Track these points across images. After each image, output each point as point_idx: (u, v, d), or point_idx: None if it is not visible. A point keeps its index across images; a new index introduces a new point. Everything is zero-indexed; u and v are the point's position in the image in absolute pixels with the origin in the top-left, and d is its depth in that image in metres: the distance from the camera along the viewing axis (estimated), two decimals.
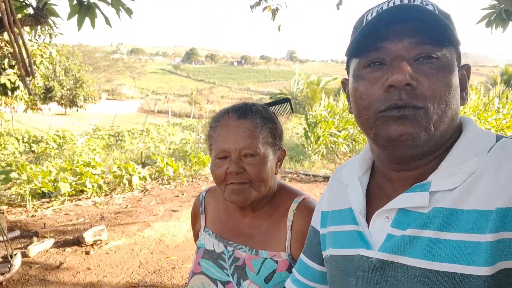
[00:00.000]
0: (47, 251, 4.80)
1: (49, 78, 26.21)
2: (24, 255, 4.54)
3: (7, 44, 8.80)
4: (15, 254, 4.24)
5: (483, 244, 0.61)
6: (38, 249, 4.71)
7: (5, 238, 4.06)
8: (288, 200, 1.21)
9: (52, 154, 14.25)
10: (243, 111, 1.16)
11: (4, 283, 3.95)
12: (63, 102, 28.92)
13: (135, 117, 34.83)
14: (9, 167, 7.65)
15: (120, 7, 4.43)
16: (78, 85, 28.87)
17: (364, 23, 0.72)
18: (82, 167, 7.86)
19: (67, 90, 28.38)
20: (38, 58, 10.67)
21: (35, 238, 5.20)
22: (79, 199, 7.50)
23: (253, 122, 1.14)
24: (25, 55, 3.88)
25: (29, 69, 3.97)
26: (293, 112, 1.33)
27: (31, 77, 4.03)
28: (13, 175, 7.30)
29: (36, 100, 25.69)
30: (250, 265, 1.16)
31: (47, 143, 16.80)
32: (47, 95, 27.40)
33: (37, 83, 10.94)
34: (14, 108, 27.31)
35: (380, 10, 0.70)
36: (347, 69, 0.80)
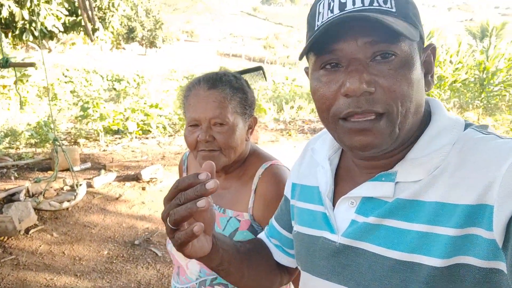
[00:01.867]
0: (110, 183, 5.33)
1: (132, 19, 27.33)
2: (90, 185, 5.09)
3: None
4: (80, 184, 4.77)
5: (443, 237, 0.61)
6: (101, 181, 5.25)
7: (72, 171, 4.56)
8: (257, 164, 1.25)
9: (130, 93, 15.24)
10: (213, 81, 1.19)
11: (69, 209, 4.50)
12: (143, 42, 30.23)
13: (211, 59, 35.53)
14: (86, 105, 8.37)
15: None
16: (157, 26, 29.83)
17: (316, 19, 0.69)
18: (148, 108, 8.34)
19: (147, 31, 29.51)
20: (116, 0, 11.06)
21: (102, 171, 5.78)
22: (146, 138, 8.07)
23: (222, 93, 1.17)
24: (87, 2, 4.09)
25: (90, 16, 4.20)
26: (266, 80, 1.33)
27: (91, 23, 4.26)
28: (90, 112, 8.01)
29: (120, 40, 27.14)
30: (218, 222, 1.24)
31: (128, 82, 17.96)
32: (130, 35, 28.77)
33: (116, 26, 11.47)
34: (101, 48, 29.20)
35: (329, 9, 0.66)
36: (307, 59, 0.76)
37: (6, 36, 8.31)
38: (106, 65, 23.07)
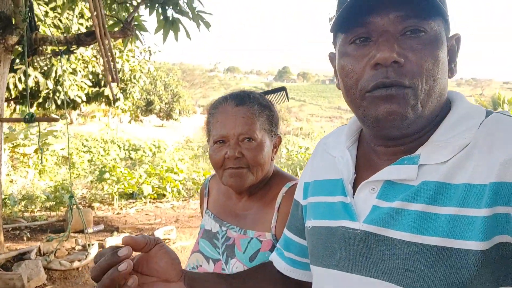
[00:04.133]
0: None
1: (150, 93, 28.66)
2: (102, 246, 4.97)
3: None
4: (92, 244, 4.67)
5: (479, 219, 0.59)
6: (114, 241, 5.14)
7: (85, 231, 4.49)
8: (281, 184, 1.22)
9: (146, 161, 15.47)
10: (241, 98, 1.19)
11: (80, 269, 4.36)
12: (161, 114, 31.38)
13: None
14: (104, 169, 8.49)
15: (200, 21, 4.75)
16: (175, 99, 31.13)
17: None
18: (164, 172, 8.40)
19: (165, 104, 30.77)
20: (137, 73, 11.67)
21: (115, 233, 5.69)
22: (160, 202, 8.02)
23: (251, 109, 1.17)
24: (111, 64, 4.32)
25: (114, 76, 4.41)
26: (288, 101, 1.35)
27: (115, 83, 4.46)
28: (106, 175, 8.10)
29: (138, 112, 28.24)
30: (239, 244, 1.18)
31: (144, 151, 18.33)
32: (148, 108, 29.99)
33: (136, 96, 12.03)
34: (120, 120, 30.36)
35: None
36: (334, 43, 0.78)
37: (31, 106, 8.73)
38: (124, 135, 23.77)
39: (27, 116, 3.46)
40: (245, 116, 1.15)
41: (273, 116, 1.23)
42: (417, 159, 0.68)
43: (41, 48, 4.32)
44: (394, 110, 0.65)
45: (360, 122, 0.79)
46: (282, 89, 1.33)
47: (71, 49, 4.44)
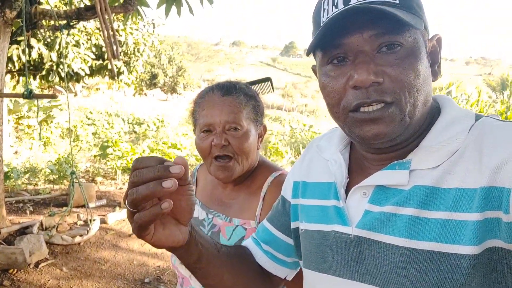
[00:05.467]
0: (124, 220, 5.26)
1: (155, 66, 28.43)
2: (103, 221, 5.03)
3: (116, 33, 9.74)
4: (94, 220, 4.72)
5: (470, 223, 0.60)
6: (115, 217, 5.19)
7: (87, 206, 4.54)
8: (267, 174, 1.24)
9: (149, 136, 15.50)
10: (227, 88, 1.22)
11: (81, 244, 4.42)
12: (165, 88, 31.22)
13: None
14: (106, 144, 8.51)
15: None
16: (179, 73, 30.89)
17: (321, 15, 0.70)
18: (167, 149, 8.41)
19: (169, 77, 30.56)
20: (141, 46, 11.52)
21: (117, 208, 5.74)
22: None
23: (237, 99, 1.20)
24: (112, 40, 4.24)
25: (115, 52, 4.35)
26: (274, 91, 1.37)
27: (116, 58, 4.39)
28: (109, 150, 8.11)
29: (143, 86, 28.10)
30: (224, 232, 1.22)
31: (148, 126, 18.35)
32: (152, 81, 29.82)
33: (140, 70, 11.92)
34: (124, 93, 30.24)
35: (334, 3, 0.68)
36: (314, 59, 0.77)
37: (34, 78, 8.67)
38: (128, 109, 23.74)
39: (25, 92, 3.43)
40: (231, 105, 1.18)
41: (258, 106, 1.26)
42: (408, 164, 0.68)
43: (40, 22, 4.25)
44: (381, 132, 0.66)
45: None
46: (268, 79, 1.35)
47: (71, 23, 4.36)
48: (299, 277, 0.92)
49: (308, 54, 0.74)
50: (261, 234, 0.97)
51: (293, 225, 0.89)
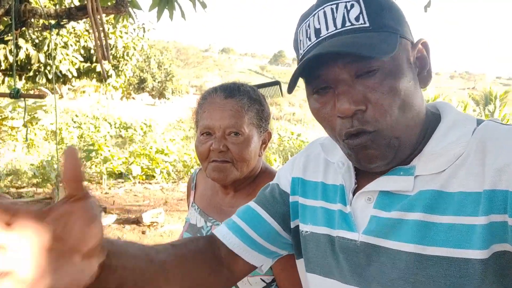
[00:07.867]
0: (109, 225, 5.16)
1: (144, 70, 28.28)
2: None
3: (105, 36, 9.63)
4: None
5: (477, 227, 0.59)
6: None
7: None
8: (269, 181, 1.14)
9: (136, 140, 15.33)
10: (231, 90, 1.16)
11: None
12: (153, 93, 31.05)
13: None
14: (91, 147, 8.36)
15: (196, 0, 4.60)
16: (168, 78, 30.78)
17: (299, 47, 0.72)
18: (154, 154, 8.31)
19: (158, 82, 30.42)
20: (131, 50, 11.42)
21: (102, 213, 5.61)
22: (149, 183, 7.95)
23: (240, 102, 1.14)
24: (103, 41, 4.17)
25: (105, 53, 4.27)
26: (282, 95, 1.32)
27: (106, 60, 4.31)
28: (93, 154, 7.97)
29: (131, 90, 27.89)
30: None
31: (134, 130, 18.16)
32: (140, 85, 29.62)
33: (128, 74, 11.79)
34: (112, 96, 29.97)
35: (309, 31, 0.69)
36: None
37: (20, 79, 8.49)
38: (115, 113, 23.48)
39: (12, 92, 3.34)
40: (233, 109, 1.13)
41: (263, 110, 1.20)
42: (413, 170, 0.68)
43: (29, 21, 4.16)
44: (373, 155, 0.67)
45: None
46: (277, 83, 1.29)
47: (62, 23, 4.28)
48: (291, 279, 0.87)
49: (289, 92, 0.72)
50: (243, 215, 0.87)
51: (293, 223, 0.86)
